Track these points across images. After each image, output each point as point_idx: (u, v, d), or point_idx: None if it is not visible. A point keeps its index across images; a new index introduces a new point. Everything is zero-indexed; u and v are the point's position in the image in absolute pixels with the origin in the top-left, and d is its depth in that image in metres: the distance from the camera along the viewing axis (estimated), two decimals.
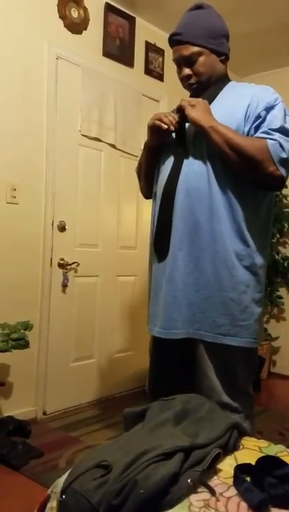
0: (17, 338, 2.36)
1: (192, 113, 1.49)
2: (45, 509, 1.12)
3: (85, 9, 2.99)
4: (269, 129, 1.46)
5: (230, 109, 1.53)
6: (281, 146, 1.43)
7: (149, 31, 3.45)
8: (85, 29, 3.02)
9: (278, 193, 3.97)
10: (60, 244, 2.92)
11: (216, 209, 1.50)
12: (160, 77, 3.55)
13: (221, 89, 1.61)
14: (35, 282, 2.80)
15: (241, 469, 1.10)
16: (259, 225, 1.57)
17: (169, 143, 1.63)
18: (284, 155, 1.44)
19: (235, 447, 1.26)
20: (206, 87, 1.60)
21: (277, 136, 1.44)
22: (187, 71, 1.58)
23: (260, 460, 1.15)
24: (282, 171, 1.46)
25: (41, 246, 2.82)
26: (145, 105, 3.37)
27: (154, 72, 3.50)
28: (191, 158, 1.55)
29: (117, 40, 3.22)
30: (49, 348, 2.87)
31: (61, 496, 1.07)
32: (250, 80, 4.28)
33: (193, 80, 1.60)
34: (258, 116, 1.49)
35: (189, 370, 1.65)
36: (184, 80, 1.62)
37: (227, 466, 1.16)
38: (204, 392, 1.53)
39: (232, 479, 1.08)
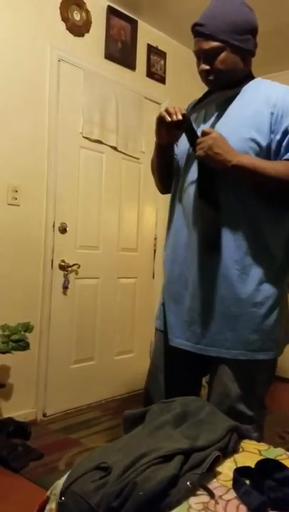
0: (17, 340, 2.36)
1: (209, 154, 1.38)
2: (44, 511, 1.12)
3: (87, 12, 3.00)
4: None
5: (251, 112, 1.43)
6: None
7: (151, 34, 3.46)
8: (87, 32, 3.03)
9: None
10: (61, 246, 2.92)
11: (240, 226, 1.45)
12: (162, 79, 3.56)
13: (238, 92, 1.50)
14: (36, 284, 2.81)
15: (241, 472, 1.10)
16: (283, 237, 1.50)
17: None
18: None
19: (235, 450, 1.26)
20: (226, 85, 1.49)
21: None
22: (205, 66, 1.46)
23: (259, 463, 1.15)
24: None
25: (42, 248, 2.83)
26: (147, 108, 3.38)
27: (155, 74, 3.51)
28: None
29: (119, 43, 3.23)
30: (49, 349, 2.87)
31: (60, 498, 1.07)
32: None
33: (211, 77, 1.48)
34: (286, 132, 1.39)
35: (197, 382, 1.66)
36: (202, 75, 1.51)
37: (226, 468, 1.15)
38: (220, 400, 1.49)
39: (231, 482, 1.08)
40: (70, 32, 2.93)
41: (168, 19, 3.35)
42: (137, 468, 1.04)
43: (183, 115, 1.44)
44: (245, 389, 1.48)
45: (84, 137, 3.02)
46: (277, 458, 1.22)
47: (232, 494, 1.04)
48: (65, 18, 2.88)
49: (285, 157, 1.39)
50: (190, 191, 1.52)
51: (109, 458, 1.12)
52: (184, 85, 3.35)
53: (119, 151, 3.22)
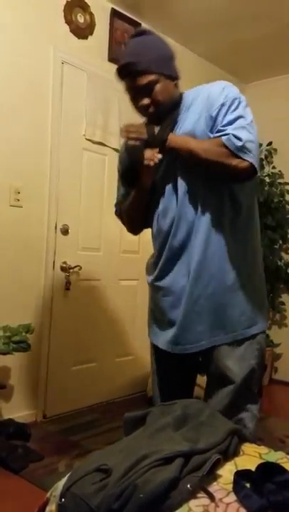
0: (18, 341, 2.36)
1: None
2: None
3: (91, 14, 3.01)
4: (220, 127, 1.46)
5: (192, 124, 1.52)
6: (235, 136, 1.42)
7: None
8: (91, 34, 3.04)
9: (281, 198, 3.98)
10: (63, 248, 2.92)
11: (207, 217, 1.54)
12: None
13: (179, 112, 1.58)
14: (37, 285, 2.81)
15: (241, 475, 1.10)
16: (244, 218, 1.60)
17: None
18: (239, 143, 1.42)
19: (236, 453, 1.26)
20: (165, 113, 1.55)
21: (229, 129, 1.44)
22: (146, 101, 1.51)
23: (260, 466, 1.14)
24: (248, 158, 1.44)
25: (44, 249, 2.83)
26: None
27: None
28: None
29: (122, 46, 3.24)
30: (50, 351, 2.87)
31: (60, 500, 1.07)
32: (256, 87, 4.33)
33: (152, 109, 1.53)
34: (212, 118, 1.49)
35: (191, 382, 1.74)
36: (142, 110, 1.57)
37: (227, 471, 1.15)
38: (219, 396, 1.55)
39: (232, 485, 1.08)
40: (74, 34, 2.94)
41: (171, 22, 3.36)
42: (138, 470, 1.04)
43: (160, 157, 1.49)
44: (244, 383, 1.55)
45: (86, 139, 3.03)
46: (278, 461, 1.22)
47: (232, 497, 1.04)
48: (68, 21, 2.89)
49: (213, 135, 1.48)
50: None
51: (110, 460, 1.12)
52: (187, 88, 3.34)
53: None
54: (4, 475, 2.13)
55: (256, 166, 1.46)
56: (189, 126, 1.53)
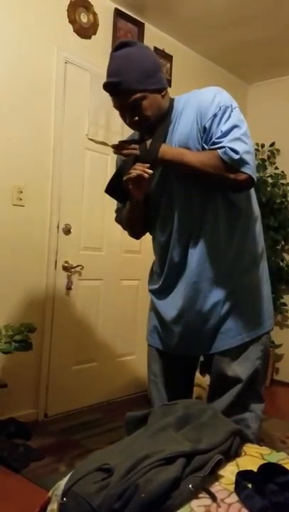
0: (20, 340, 2.36)
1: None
2: (45, 511, 1.12)
3: (95, 14, 3.01)
4: (215, 139, 1.45)
5: (185, 135, 1.51)
6: (232, 149, 1.41)
7: (157, 37, 3.47)
8: (94, 34, 3.04)
9: (284, 199, 3.98)
10: (65, 247, 2.93)
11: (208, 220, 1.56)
12: (168, 82, 3.56)
13: (170, 120, 1.56)
14: (39, 284, 2.81)
15: (243, 476, 1.10)
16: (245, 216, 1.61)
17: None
18: (236, 156, 1.41)
19: (237, 454, 1.26)
20: (156, 125, 1.54)
21: (225, 141, 1.43)
22: (135, 119, 1.51)
23: (262, 467, 1.14)
24: (246, 170, 1.43)
25: (46, 248, 2.83)
26: None
27: None
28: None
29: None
30: (52, 350, 2.87)
31: (62, 499, 1.07)
32: (259, 87, 4.32)
33: (141, 124, 1.53)
34: (205, 130, 1.48)
35: (191, 382, 1.75)
36: (133, 126, 1.57)
37: (229, 472, 1.15)
38: (222, 397, 1.56)
39: (233, 485, 1.08)
40: (77, 34, 2.94)
41: (174, 22, 3.36)
42: (139, 470, 1.04)
43: (148, 173, 1.47)
44: (248, 382, 1.55)
45: (89, 139, 3.03)
46: (280, 462, 1.22)
47: (234, 498, 1.04)
48: (72, 21, 2.89)
49: (209, 148, 1.47)
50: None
51: (111, 459, 1.12)
52: (190, 88, 3.31)
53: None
54: (5, 474, 2.14)
55: (254, 176, 1.46)
56: (182, 137, 1.51)
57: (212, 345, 1.58)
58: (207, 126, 1.47)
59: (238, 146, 1.42)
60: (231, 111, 1.47)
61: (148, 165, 1.46)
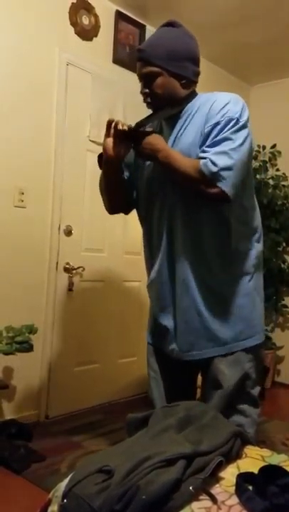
0: (21, 341, 2.37)
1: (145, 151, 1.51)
2: None
3: (96, 16, 3.02)
4: (205, 147, 1.45)
5: (192, 138, 1.52)
6: (212, 162, 1.41)
7: None
8: (96, 36, 3.04)
9: (285, 201, 3.98)
10: (66, 249, 2.93)
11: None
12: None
13: (183, 113, 1.57)
14: (40, 286, 2.81)
15: (244, 478, 1.10)
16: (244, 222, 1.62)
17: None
18: (214, 169, 1.40)
19: (238, 455, 1.26)
20: (164, 107, 1.56)
21: (211, 153, 1.42)
22: (144, 90, 1.55)
23: (262, 469, 1.14)
24: (220, 185, 1.42)
25: (47, 250, 2.84)
26: None
27: None
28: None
29: (127, 48, 3.25)
30: (53, 351, 2.88)
31: (62, 500, 1.07)
32: (260, 89, 4.32)
33: (149, 100, 1.56)
34: (203, 135, 1.49)
35: (192, 384, 1.76)
36: (143, 98, 1.60)
37: (229, 474, 1.15)
38: (215, 399, 1.56)
39: (234, 488, 1.08)
40: (79, 36, 2.95)
41: None
42: (140, 471, 1.04)
43: (128, 127, 1.53)
44: (239, 384, 1.56)
45: (91, 141, 3.03)
46: (281, 464, 1.22)
47: (235, 500, 1.04)
48: (73, 23, 2.90)
49: (199, 155, 1.47)
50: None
51: (112, 461, 1.12)
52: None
53: None
54: (6, 475, 2.13)
55: (229, 193, 1.44)
56: (189, 140, 1.53)
57: (199, 348, 1.59)
58: (206, 132, 1.47)
59: (220, 160, 1.41)
60: (235, 124, 1.45)
61: (130, 125, 1.53)
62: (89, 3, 2.97)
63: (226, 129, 1.44)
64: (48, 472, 2.17)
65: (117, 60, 3.18)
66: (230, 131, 1.44)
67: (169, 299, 1.63)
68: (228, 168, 1.42)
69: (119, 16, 3.17)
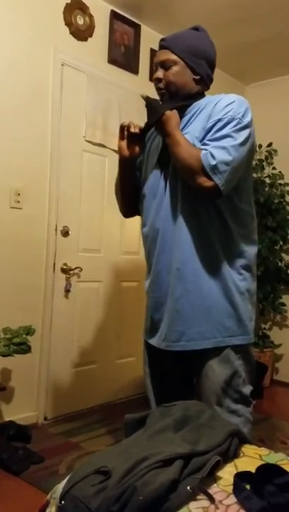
0: (19, 343, 2.36)
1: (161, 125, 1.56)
2: None
3: (91, 16, 3.02)
4: (206, 140, 1.49)
5: (195, 132, 1.56)
6: (212, 154, 1.44)
7: (154, 39, 3.46)
8: (91, 36, 3.04)
9: (282, 199, 3.98)
10: (63, 249, 2.92)
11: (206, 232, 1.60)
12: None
13: (191, 108, 1.63)
14: (37, 287, 2.81)
15: (241, 477, 1.10)
16: (240, 224, 1.63)
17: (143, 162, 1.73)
18: (213, 162, 1.44)
19: (236, 455, 1.26)
20: (174, 97, 1.61)
21: (211, 146, 1.46)
22: (159, 73, 1.61)
23: (260, 468, 1.14)
24: (215, 179, 1.45)
25: (44, 251, 2.83)
26: None
27: None
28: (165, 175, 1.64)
29: (122, 48, 3.24)
30: (51, 353, 2.87)
31: (60, 502, 1.07)
32: (256, 88, 4.33)
33: (161, 85, 1.62)
34: (206, 129, 1.53)
35: (186, 380, 1.74)
36: (155, 83, 1.65)
37: (227, 473, 1.15)
38: (206, 396, 1.57)
39: (232, 487, 1.08)
40: (74, 36, 2.94)
41: (171, 24, 3.35)
42: (137, 472, 1.04)
43: (140, 129, 1.62)
44: (228, 381, 1.57)
45: (87, 141, 3.03)
46: (278, 463, 1.21)
47: (232, 499, 1.04)
48: (68, 23, 2.89)
49: (200, 147, 1.51)
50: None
51: (110, 462, 1.12)
52: None
53: None
54: (5, 477, 2.13)
55: (221, 188, 1.47)
56: (194, 135, 1.56)
57: (188, 339, 1.60)
58: (208, 127, 1.51)
59: (219, 154, 1.45)
60: (237, 123, 1.49)
61: (141, 126, 1.61)
62: (84, 3, 2.97)
63: (228, 127, 1.48)
64: (47, 473, 2.17)
65: (112, 60, 3.17)
66: (232, 129, 1.48)
67: (164, 290, 1.65)
68: (225, 163, 1.45)
69: (114, 15, 3.16)
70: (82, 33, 2.98)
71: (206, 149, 1.46)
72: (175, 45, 1.58)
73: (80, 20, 2.96)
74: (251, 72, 4.12)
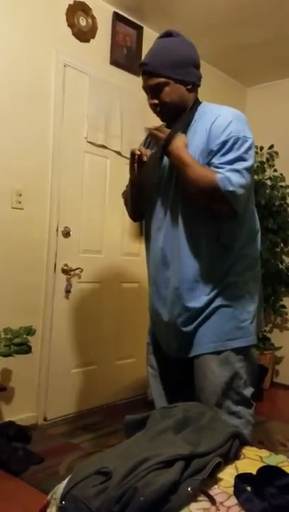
0: (19, 343, 2.36)
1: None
2: None
3: (94, 18, 3.02)
4: (219, 164, 1.48)
5: (197, 146, 1.55)
6: (229, 180, 1.45)
7: None
8: (93, 37, 3.05)
9: (283, 201, 3.98)
10: (64, 250, 2.93)
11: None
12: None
13: (192, 118, 1.61)
14: (38, 287, 2.81)
15: (242, 479, 1.10)
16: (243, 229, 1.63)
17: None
18: (231, 188, 1.44)
19: (236, 456, 1.26)
20: (175, 115, 1.60)
21: (226, 170, 1.46)
22: (153, 101, 1.59)
23: (261, 470, 1.14)
24: (234, 204, 1.47)
25: (45, 251, 2.83)
26: (151, 114, 3.37)
27: None
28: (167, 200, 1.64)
29: (124, 49, 3.25)
30: (51, 353, 2.87)
31: (61, 502, 1.07)
32: (257, 90, 4.33)
33: (159, 109, 1.61)
34: (211, 153, 1.51)
35: (189, 381, 1.72)
36: (152, 108, 1.64)
37: (228, 475, 1.15)
38: (205, 397, 1.57)
39: (232, 488, 1.08)
40: (76, 37, 2.95)
41: (173, 26, 3.31)
42: (138, 473, 1.04)
43: (149, 156, 1.60)
44: (229, 382, 1.57)
45: (88, 142, 3.04)
46: (279, 465, 1.21)
47: (233, 501, 1.04)
48: (71, 24, 2.90)
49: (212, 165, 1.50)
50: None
51: (110, 463, 1.12)
52: None
53: (123, 156, 3.22)
54: (5, 477, 2.13)
55: (238, 211, 1.50)
56: (192, 147, 1.55)
57: (189, 349, 1.61)
58: (214, 149, 1.50)
59: (235, 178, 1.45)
60: (243, 142, 1.49)
61: (152, 151, 1.59)
62: (86, 5, 2.97)
63: (235, 147, 1.48)
64: (47, 474, 2.17)
65: (114, 62, 3.18)
66: (241, 150, 1.48)
67: (163, 302, 1.66)
68: (241, 187, 1.47)
69: (117, 17, 3.17)
70: (84, 35, 2.99)
71: (221, 173, 1.45)
72: (158, 65, 1.54)
73: (82, 22, 2.97)
74: (252, 74, 4.12)
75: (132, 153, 1.59)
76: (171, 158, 1.55)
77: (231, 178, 1.44)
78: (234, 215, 1.51)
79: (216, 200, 1.48)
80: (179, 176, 1.55)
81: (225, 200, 1.46)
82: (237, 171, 1.46)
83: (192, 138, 1.57)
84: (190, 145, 1.55)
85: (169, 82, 1.55)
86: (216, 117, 1.54)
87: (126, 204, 1.89)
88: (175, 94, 1.57)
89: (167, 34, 1.62)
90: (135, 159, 1.59)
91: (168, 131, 1.56)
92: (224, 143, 1.48)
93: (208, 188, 1.46)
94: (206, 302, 1.58)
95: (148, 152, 1.59)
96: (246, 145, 1.49)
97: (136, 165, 1.61)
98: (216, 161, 1.48)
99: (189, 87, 1.59)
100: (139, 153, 1.57)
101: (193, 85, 1.61)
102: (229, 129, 1.49)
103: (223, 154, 1.48)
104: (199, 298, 1.57)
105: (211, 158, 1.50)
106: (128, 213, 1.90)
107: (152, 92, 1.58)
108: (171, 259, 1.61)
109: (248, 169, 1.49)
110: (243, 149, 1.48)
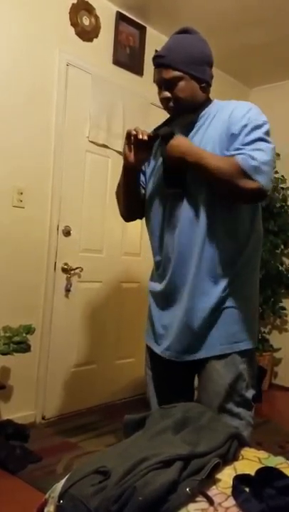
0: (19, 342, 2.36)
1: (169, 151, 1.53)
2: None
3: (97, 17, 3.02)
4: (239, 145, 1.47)
5: (213, 139, 1.54)
6: (251, 156, 1.43)
7: (159, 41, 3.46)
8: (96, 37, 3.05)
9: (284, 203, 3.98)
10: (65, 249, 2.93)
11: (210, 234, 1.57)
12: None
13: (199, 117, 1.60)
14: (38, 286, 2.81)
15: (240, 480, 1.10)
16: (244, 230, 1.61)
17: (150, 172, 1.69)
18: (254, 163, 1.43)
19: (235, 457, 1.26)
20: (185, 111, 1.59)
21: (248, 149, 1.45)
22: (166, 94, 1.57)
23: (259, 471, 1.14)
24: (259, 179, 1.44)
25: (46, 250, 2.83)
26: (153, 114, 3.38)
27: None
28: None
29: (127, 49, 3.25)
30: (50, 352, 2.87)
31: (59, 501, 1.07)
32: (259, 91, 4.33)
33: (171, 104, 1.58)
34: (233, 136, 1.50)
35: (187, 381, 1.73)
36: (163, 103, 1.61)
37: (226, 476, 1.15)
38: (208, 398, 1.57)
39: (231, 489, 1.08)
40: (79, 37, 2.95)
41: (176, 26, 3.30)
42: (137, 472, 1.04)
43: (148, 136, 1.54)
44: (232, 384, 1.56)
45: (90, 141, 3.04)
46: (278, 466, 1.21)
47: (231, 502, 1.04)
48: (74, 23, 2.90)
49: (227, 154, 1.49)
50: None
51: (109, 462, 1.12)
52: None
53: None
54: (2, 476, 2.13)
55: (266, 188, 1.46)
56: (209, 141, 1.54)
57: (194, 353, 1.59)
58: (236, 132, 1.49)
59: (258, 155, 1.44)
60: (263, 125, 1.50)
61: (149, 133, 1.55)
62: (90, 4, 2.98)
63: (256, 131, 1.48)
64: (44, 473, 2.17)
65: (117, 61, 3.18)
66: (262, 133, 1.48)
67: (171, 299, 1.63)
68: (265, 163, 1.44)
69: (120, 17, 3.17)
70: (87, 34, 2.99)
71: (242, 153, 1.44)
72: (174, 59, 1.52)
73: (85, 21, 2.97)
74: (256, 76, 4.12)
75: (128, 134, 1.55)
76: (180, 155, 1.51)
77: (254, 155, 1.43)
78: (261, 192, 1.46)
79: (239, 180, 1.43)
80: (197, 170, 1.51)
81: (249, 177, 1.43)
82: (260, 149, 1.45)
83: (205, 134, 1.55)
84: (200, 141, 1.54)
85: (185, 77, 1.53)
86: (234, 107, 1.55)
87: (118, 201, 1.83)
88: (189, 91, 1.55)
89: (184, 31, 1.61)
90: (131, 140, 1.55)
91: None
92: (245, 126, 1.48)
93: (230, 173, 1.44)
94: (216, 302, 1.57)
95: (146, 132, 1.55)
96: (266, 127, 1.50)
97: (132, 146, 1.56)
98: (237, 144, 1.47)
99: (203, 85, 1.58)
100: (134, 133, 1.53)
101: (207, 84, 1.60)
102: (249, 115, 1.50)
103: (245, 135, 1.47)
104: (210, 298, 1.56)
105: (232, 143, 1.49)
106: (120, 211, 1.84)
107: (166, 85, 1.56)
108: (188, 258, 1.58)
109: (270, 149, 1.48)
110: (263, 130, 1.48)
